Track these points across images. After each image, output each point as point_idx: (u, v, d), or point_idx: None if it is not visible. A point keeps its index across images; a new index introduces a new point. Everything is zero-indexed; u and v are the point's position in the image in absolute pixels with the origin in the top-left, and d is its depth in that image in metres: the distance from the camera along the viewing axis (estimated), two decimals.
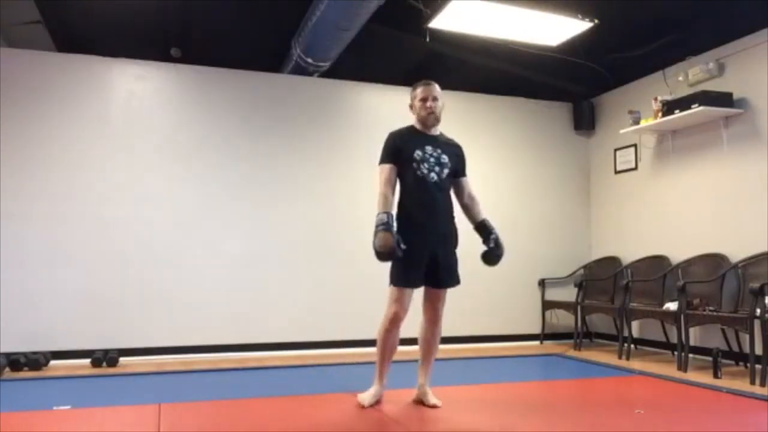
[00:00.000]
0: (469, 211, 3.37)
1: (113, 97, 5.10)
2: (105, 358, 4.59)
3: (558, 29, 4.65)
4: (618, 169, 6.01)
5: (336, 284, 5.47)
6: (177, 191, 5.12)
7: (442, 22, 4.46)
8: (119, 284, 4.88)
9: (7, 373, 4.28)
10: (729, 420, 3.09)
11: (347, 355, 5.09)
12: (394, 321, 3.10)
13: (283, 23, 4.78)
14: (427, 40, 4.70)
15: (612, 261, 5.87)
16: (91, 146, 4.97)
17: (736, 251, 4.58)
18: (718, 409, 3.30)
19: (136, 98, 5.14)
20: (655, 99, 5.11)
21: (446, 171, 3.20)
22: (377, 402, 3.18)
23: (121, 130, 5.05)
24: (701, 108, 4.65)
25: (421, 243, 3.09)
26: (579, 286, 5.69)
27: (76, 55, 5.01)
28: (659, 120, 5.06)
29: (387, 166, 3.18)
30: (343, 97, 5.74)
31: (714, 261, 4.72)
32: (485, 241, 3.30)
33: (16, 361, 4.34)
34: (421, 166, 3.15)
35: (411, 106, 3.29)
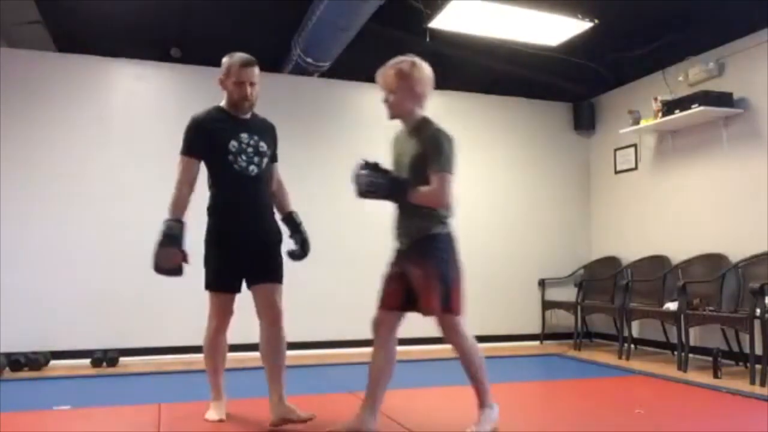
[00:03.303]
0: (276, 200, 3.02)
1: (113, 97, 5.10)
2: (105, 358, 4.59)
3: (558, 29, 4.65)
4: (618, 169, 6.01)
5: (336, 284, 5.46)
6: None
7: (442, 22, 4.46)
8: (119, 284, 4.88)
9: (7, 373, 4.28)
10: (729, 420, 3.09)
11: (347, 355, 5.08)
12: (216, 334, 2.93)
13: (283, 23, 4.77)
14: (427, 40, 4.70)
15: (612, 261, 5.87)
16: (91, 146, 4.97)
17: (736, 251, 4.58)
18: (718, 409, 3.30)
19: (136, 98, 5.14)
20: (655, 99, 5.11)
21: (266, 160, 2.86)
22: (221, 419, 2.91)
23: (121, 130, 5.05)
24: (701, 108, 4.64)
25: (238, 247, 2.77)
26: (579, 286, 5.69)
27: (76, 55, 5.01)
28: (659, 120, 5.05)
29: (187, 160, 2.78)
30: (343, 97, 5.74)
31: (714, 261, 4.72)
32: (291, 237, 3.01)
33: (16, 361, 4.34)
34: (239, 159, 2.76)
35: (221, 82, 2.86)
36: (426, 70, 2.65)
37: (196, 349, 5.06)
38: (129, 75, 5.16)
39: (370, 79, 5.76)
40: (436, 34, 4.69)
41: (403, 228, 2.69)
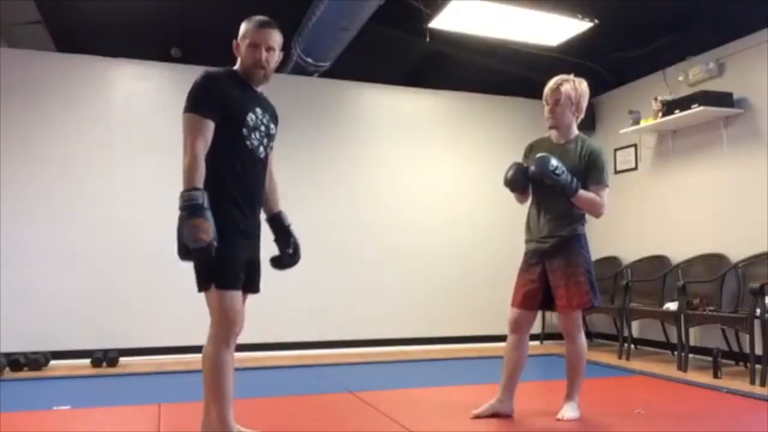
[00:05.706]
0: (268, 195, 2.58)
1: (113, 97, 5.10)
2: (105, 358, 4.59)
3: (558, 29, 4.66)
4: (618, 169, 6.00)
5: (335, 284, 5.47)
6: (177, 191, 5.11)
7: (442, 22, 4.46)
8: (119, 284, 4.88)
9: (7, 373, 4.28)
10: (729, 420, 3.09)
11: (347, 355, 5.08)
12: (231, 337, 2.32)
13: (283, 23, 4.76)
14: (427, 40, 4.70)
15: (612, 261, 5.87)
16: (91, 146, 4.97)
17: (736, 251, 4.58)
18: (718, 409, 3.30)
19: (136, 98, 5.14)
20: (655, 99, 5.11)
21: (272, 145, 2.52)
22: None
23: (121, 131, 5.05)
24: (701, 108, 4.64)
25: (245, 238, 2.36)
26: None
27: (76, 55, 5.01)
28: (659, 120, 5.05)
29: (204, 122, 2.26)
30: (343, 97, 5.74)
31: (714, 261, 4.72)
32: (280, 241, 2.57)
33: (16, 361, 4.34)
34: (252, 136, 2.38)
35: (236, 47, 2.45)
36: (587, 88, 2.89)
37: (196, 349, 5.08)
38: (129, 75, 5.16)
39: (370, 79, 5.84)
40: (436, 34, 4.69)
41: (550, 228, 2.96)
